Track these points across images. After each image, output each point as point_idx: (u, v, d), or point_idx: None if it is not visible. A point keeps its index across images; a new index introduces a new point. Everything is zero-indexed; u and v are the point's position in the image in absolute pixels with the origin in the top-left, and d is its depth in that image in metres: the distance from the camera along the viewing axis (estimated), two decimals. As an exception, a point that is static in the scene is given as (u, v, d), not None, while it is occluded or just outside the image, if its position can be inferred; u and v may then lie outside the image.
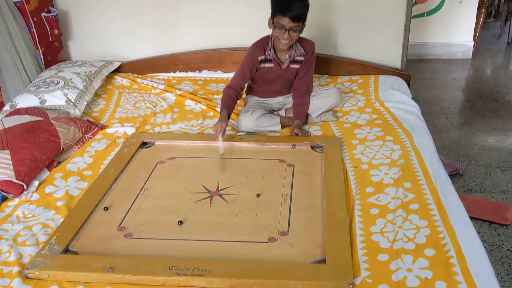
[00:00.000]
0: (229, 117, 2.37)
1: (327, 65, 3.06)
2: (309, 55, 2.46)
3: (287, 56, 2.42)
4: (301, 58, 2.45)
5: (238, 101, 2.46)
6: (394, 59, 3.10)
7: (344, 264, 1.48)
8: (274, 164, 2.12)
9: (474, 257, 1.48)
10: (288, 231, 1.68)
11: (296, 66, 2.47)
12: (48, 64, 3.04)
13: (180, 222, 1.74)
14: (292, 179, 1.99)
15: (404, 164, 2.03)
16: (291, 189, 1.92)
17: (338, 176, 1.97)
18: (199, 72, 3.19)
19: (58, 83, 2.70)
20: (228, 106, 2.37)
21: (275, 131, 2.42)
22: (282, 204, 1.83)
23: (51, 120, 2.33)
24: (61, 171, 2.13)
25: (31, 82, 2.83)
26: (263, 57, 2.41)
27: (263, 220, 1.74)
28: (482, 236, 2.31)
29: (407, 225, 1.66)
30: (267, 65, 2.44)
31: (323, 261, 1.52)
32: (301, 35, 2.36)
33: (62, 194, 1.95)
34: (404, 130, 2.32)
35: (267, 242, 1.63)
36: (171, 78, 3.15)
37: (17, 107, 2.54)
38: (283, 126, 2.45)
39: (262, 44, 2.41)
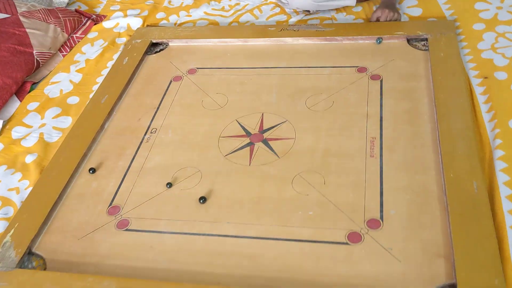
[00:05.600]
0: None
1: None
2: None
3: None
4: None
5: None
6: None
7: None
8: (349, 75, 1.35)
9: None
10: (382, 217, 0.98)
11: None
12: None
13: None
14: (381, 106, 1.23)
15: None
16: (381, 128, 1.17)
17: (460, 97, 1.18)
18: None
19: (34, -46, 1.91)
20: None
21: (347, 6, 1.59)
22: (367, 158, 1.11)
23: (20, 18, 1.61)
24: (36, 98, 1.48)
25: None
26: None
27: (337, 192, 1.04)
28: None
29: None
30: None
31: (452, 286, 0.85)
32: None
33: (34, 141, 1.33)
34: None
35: (345, 244, 0.95)
36: None
37: (-19, -4, 1.82)
38: (361, 0, 1.60)
39: None
